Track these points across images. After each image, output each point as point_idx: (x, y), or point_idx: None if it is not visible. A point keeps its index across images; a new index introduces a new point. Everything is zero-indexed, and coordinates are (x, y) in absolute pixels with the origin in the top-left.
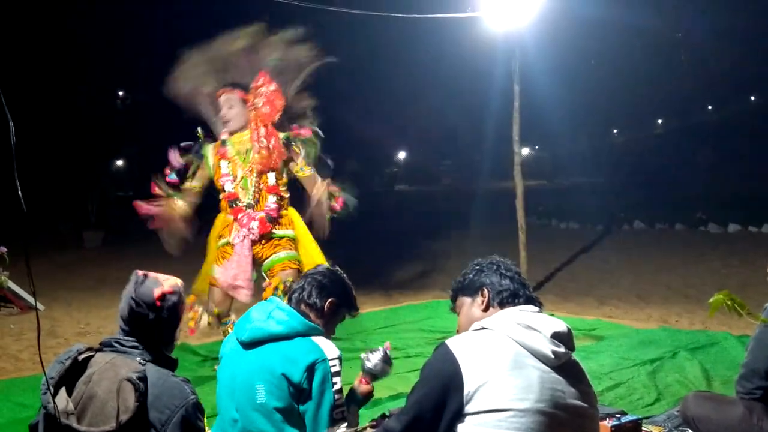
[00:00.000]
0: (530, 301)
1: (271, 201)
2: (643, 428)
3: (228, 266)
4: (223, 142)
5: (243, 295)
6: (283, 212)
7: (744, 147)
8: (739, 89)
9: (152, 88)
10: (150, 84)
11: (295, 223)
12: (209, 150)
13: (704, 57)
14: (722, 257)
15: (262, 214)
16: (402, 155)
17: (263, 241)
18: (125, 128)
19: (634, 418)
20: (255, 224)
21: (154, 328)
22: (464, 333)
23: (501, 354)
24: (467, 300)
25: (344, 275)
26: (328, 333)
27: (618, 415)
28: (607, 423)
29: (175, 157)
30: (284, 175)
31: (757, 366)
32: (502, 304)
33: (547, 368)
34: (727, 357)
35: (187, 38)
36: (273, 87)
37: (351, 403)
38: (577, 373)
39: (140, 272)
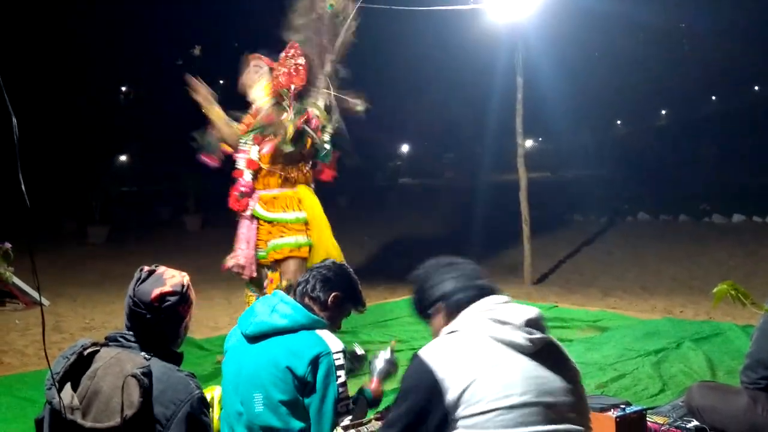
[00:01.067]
0: (491, 293)
1: (245, 176)
2: (647, 419)
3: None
4: (236, 119)
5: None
6: (288, 192)
7: (748, 137)
8: (743, 80)
9: (155, 84)
10: (153, 80)
11: (305, 204)
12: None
13: (707, 48)
14: (726, 248)
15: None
16: (405, 148)
17: (272, 223)
18: (128, 124)
19: (638, 408)
20: (253, 204)
21: (153, 328)
22: (435, 339)
23: (476, 354)
24: (429, 319)
25: (351, 270)
26: (334, 327)
27: (623, 406)
28: (612, 414)
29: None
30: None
31: (761, 356)
32: (466, 306)
33: (525, 358)
34: (731, 347)
35: (189, 35)
36: (301, 60)
37: (361, 399)
38: (557, 355)
39: (146, 268)
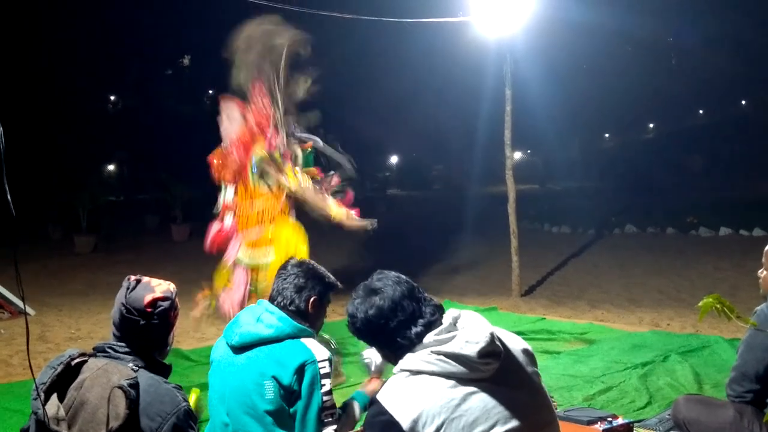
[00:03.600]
0: (434, 321)
1: (225, 221)
2: (634, 431)
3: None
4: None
5: None
6: (265, 234)
7: (735, 151)
8: (730, 93)
9: (143, 94)
10: (141, 89)
11: (277, 244)
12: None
13: (695, 62)
14: (713, 261)
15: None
16: (394, 159)
17: (256, 268)
18: (116, 133)
19: (625, 421)
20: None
21: (145, 334)
22: (391, 383)
23: (438, 398)
24: (379, 350)
25: (313, 263)
26: (318, 326)
27: (609, 419)
28: (599, 427)
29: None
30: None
31: (747, 369)
32: (417, 342)
33: (484, 386)
34: (718, 360)
35: (178, 45)
36: (266, 100)
37: (353, 404)
38: (515, 370)
39: (133, 277)
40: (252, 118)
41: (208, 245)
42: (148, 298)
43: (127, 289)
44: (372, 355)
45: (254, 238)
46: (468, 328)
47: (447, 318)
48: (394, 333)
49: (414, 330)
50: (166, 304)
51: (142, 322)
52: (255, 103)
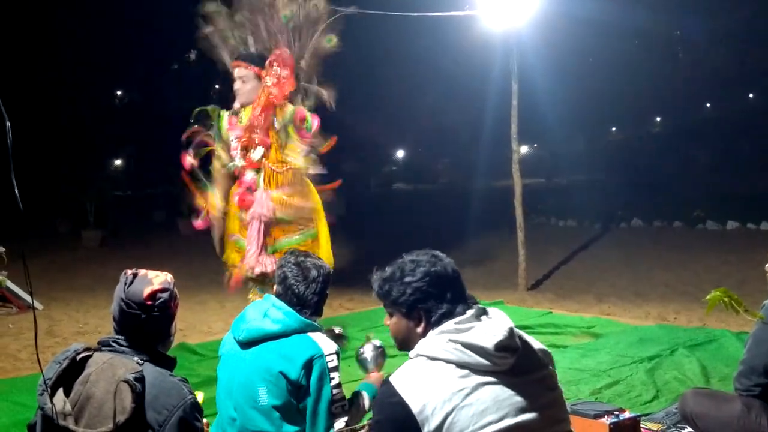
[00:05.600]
0: (463, 308)
1: (248, 176)
2: (641, 425)
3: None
4: (235, 113)
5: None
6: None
7: (742, 145)
8: (737, 87)
9: (150, 88)
10: (148, 84)
11: (312, 194)
12: (224, 122)
13: (702, 55)
14: (720, 255)
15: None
16: (400, 154)
17: (279, 223)
18: (123, 128)
19: (632, 415)
20: (262, 207)
21: (147, 328)
22: (406, 366)
23: (449, 386)
24: (402, 320)
25: (310, 254)
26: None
27: (616, 413)
28: (606, 420)
29: (188, 160)
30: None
31: (755, 363)
32: (439, 323)
33: (499, 380)
34: (725, 354)
35: (185, 39)
36: (286, 72)
37: (358, 398)
38: (532, 367)
39: (129, 271)
40: (272, 83)
41: (237, 204)
42: (147, 291)
43: (125, 284)
44: (367, 351)
45: (281, 197)
46: (489, 321)
47: (472, 310)
48: (443, 296)
49: (459, 307)
50: (165, 295)
51: (143, 316)
52: (274, 73)
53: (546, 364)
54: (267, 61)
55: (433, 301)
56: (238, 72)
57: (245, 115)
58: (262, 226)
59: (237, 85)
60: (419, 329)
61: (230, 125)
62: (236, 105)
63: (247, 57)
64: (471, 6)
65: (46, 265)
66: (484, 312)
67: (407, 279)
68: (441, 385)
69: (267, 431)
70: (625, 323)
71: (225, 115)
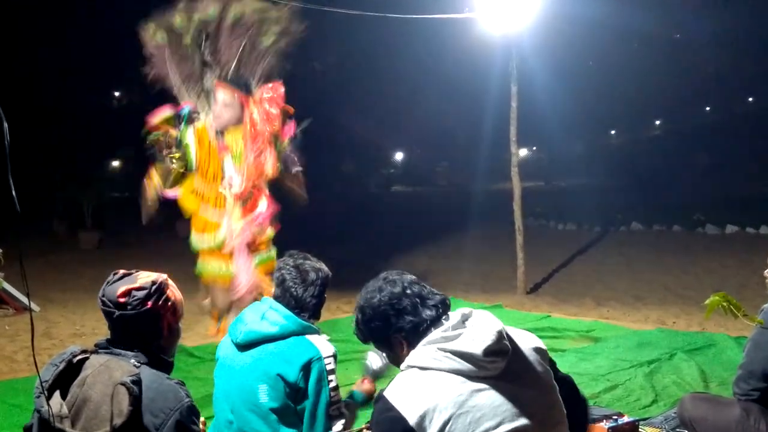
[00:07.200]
0: (440, 316)
1: (261, 207)
2: (640, 430)
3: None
4: (219, 134)
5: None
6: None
7: (742, 148)
8: (737, 90)
9: (148, 89)
10: (145, 85)
11: None
12: (190, 137)
13: (702, 59)
14: (720, 259)
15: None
16: (399, 156)
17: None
18: (120, 129)
19: (631, 419)
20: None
21: (126, 327)
22: (399, 379)
23: (443, 395)
24: (390, 352)
25: (304, 262)
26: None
27: (615, 417)
28: (605, 424)
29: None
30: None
31: (754, 368)
32: (420, 335)
33: (493, 383)
34: (724, 358)
35: None
36: (276, 110)
37: (351, 404)
38: (525, 368)
39: (121, 271)
40: (255, 113)
41: (261, 223)
42: (121, 289)
43: (107, 282)
44: (373, 359)
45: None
46: (476, 326)
47: (456, 316)
48: (404, 313)
49: (426, 313)
50: (140, 293)
51: (116, 314)
52: (261, 104)
53: (538, 363)
54: (259, 95)
55: (401, 323)
56: (222, 96)
57: (231, 139)
58: (248, 255)
59: (217, 109)
60: (405, 351)
61: (220, 147)
62: (214, 126)
63: (234, 82)
64: (470, 8)
65: (43, 266)
66: (469, 315)
67: (366, 318)
68: (436, 394)
69: None
70: (624, 327)
71: (188, 132)
